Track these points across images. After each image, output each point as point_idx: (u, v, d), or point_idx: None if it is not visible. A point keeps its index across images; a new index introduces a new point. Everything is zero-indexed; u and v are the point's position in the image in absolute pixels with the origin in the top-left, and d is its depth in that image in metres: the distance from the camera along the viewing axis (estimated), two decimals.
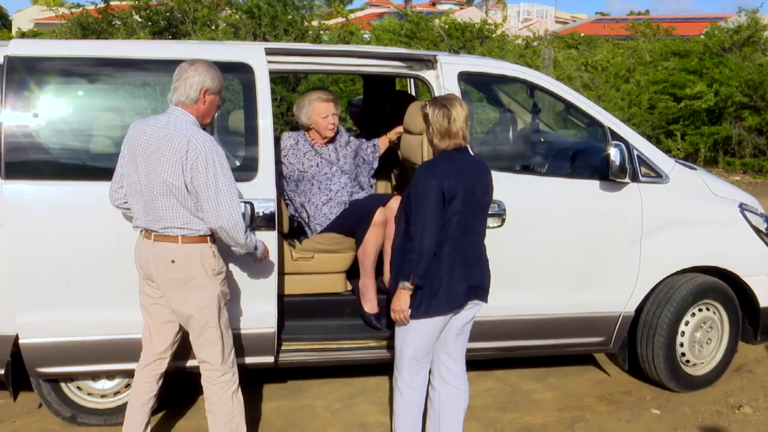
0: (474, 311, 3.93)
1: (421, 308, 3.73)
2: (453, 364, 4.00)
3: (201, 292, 3.72)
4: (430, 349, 3.91)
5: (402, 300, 3.71)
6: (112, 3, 14.91)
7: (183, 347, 4.04)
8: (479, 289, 3.86)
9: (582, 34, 23.56)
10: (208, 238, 3.72)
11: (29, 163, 4.10)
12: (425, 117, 3.80)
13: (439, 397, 4.03)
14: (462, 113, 3.75)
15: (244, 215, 3.95)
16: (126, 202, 3.82)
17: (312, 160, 5.11)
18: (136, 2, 14.18)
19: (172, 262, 3.67)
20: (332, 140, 5.21)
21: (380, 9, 41.02)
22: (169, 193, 3.59)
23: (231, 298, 4.01)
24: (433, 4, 45.82)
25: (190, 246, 3.68)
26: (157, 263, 3.70)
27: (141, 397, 3.99)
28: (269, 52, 4.45)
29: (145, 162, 3.62)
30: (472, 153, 4.56)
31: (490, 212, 4.55)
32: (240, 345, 4.36)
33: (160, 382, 4.03)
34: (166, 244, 3.67)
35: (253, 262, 4.10)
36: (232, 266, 4.23)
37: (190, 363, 4.25)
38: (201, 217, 3.64)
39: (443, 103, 3.75)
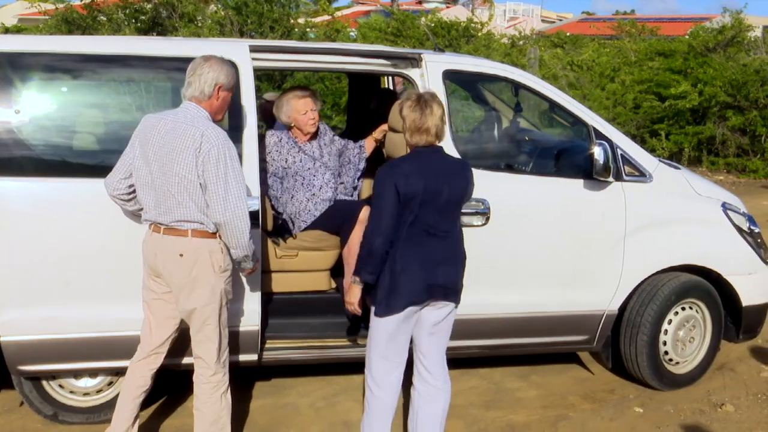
0: (445, 311, 3.89)
1: (380, 306, 3.76)
2: (429, 364, 3.99)
3: (206, 288, 3.74)
4: (401, 348, 3.89)
5: (351, 294, 3.82)
6: None
7: (179, 344, 4.03)
8: (445, 289, 3.81)
9: (568, 34, 23.67)
10: (218, 234, 3.74)
11: (11, 159, 4.06)
12: (400, 112, 3.79)
13: (418, 396, 4.02)
14: (437, 110, 3.74)
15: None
16: (130, 193, 3.82)
17: (295, 156, 5.08)
18: None
19: (181, 255, 3.69)
20: (315, 136, 5.17)
21: (367, 7, 40.96)
22: (182, 186, 3.60)
23: None
24: (420, 2, 45.77)
25: (199, 240, 3.69)
26: (165, 256, 3.71)
27: (133, 392, 3.99)
28: (254, 49, 4.43)
29: (158, 155, 3.63)
30: (457, 151, 4.58)
31: (474, 211, 4.58)
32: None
33: (154, 377, 4.03)
34: (175, 237, 3.69)
35: (244, 273, 4.07)
36: None
37: (185, 360, 4.25)
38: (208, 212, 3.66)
39: (418, 99, 3.75)
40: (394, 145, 4.93)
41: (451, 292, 3.85)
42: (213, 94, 3.72)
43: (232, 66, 3.84)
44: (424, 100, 3.74)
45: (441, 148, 3.87)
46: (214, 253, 3.74)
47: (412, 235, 3.70)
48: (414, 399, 4.04)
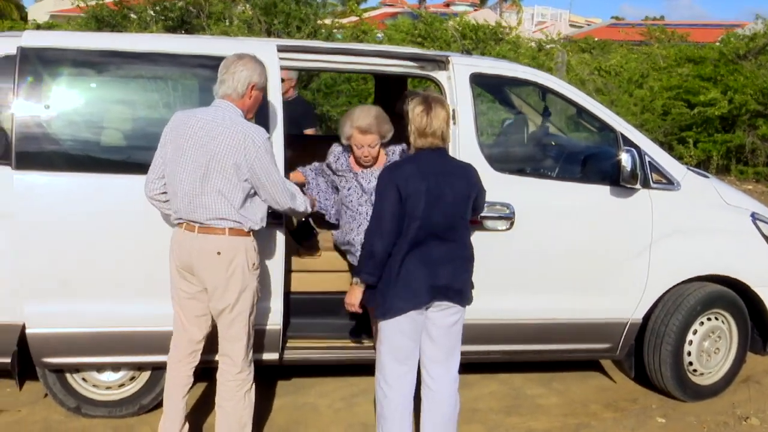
0: (451, 313, 3.85)
1: (382, 308, 3.76)
2: (433, 368, 3.94)
3: (240, 286, 3.77)
4: (409, 350, 3.86)
5: (352, 294, 3.84)
6: None
7: (212, 341, 4.05)
8: (448, 290, 3.78)
9: (596, 39, 23.49)
10: (251, 232, 3.78)
11: (40, 153, 4.10)
12: (405, 113, 3.77)
13: (426, 400, 3.99)
14: (442, 113, 3.73)
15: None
16: (164, 193, 3.83)
17: (345, 183, 4.74)
18: None
19: (218, 254, 3.71)
20: (375, 162, 4.69)
21: (394, 9, 40.96)
22: (223, 186, 3.64)
23: None
24: (447, 5, 45.74)
25: (236, 239, 3.73)
26: (201, 255, 3.73)
27: (179, 391, 4.03)
28: (281, 48, 4.44)
29: (195, 153, 3.65)
30: (483, 155, 4.55)
31: (498, 215, 4.56)
32: None
33: (195, 373, 4.08)
34: (211, 236, 3.71)
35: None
36: None
37: (217, 357, 4.26)
38: (268, 205, 3.83)
39: (424, 100, 3.73)
40: None
41: (455, 293, 3.81)
42: (246, 93, 3.74)
43: (264, 66, 3.86)
44: (429, 103, 3.72)
45: (445, 150, 3.87)
46: (249, 251, 3.78)
47: (414, 236, 3.68)
48: (423, 402, 4.01)
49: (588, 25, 48.22)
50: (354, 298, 3.85)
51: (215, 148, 3.62)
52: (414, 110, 3.72)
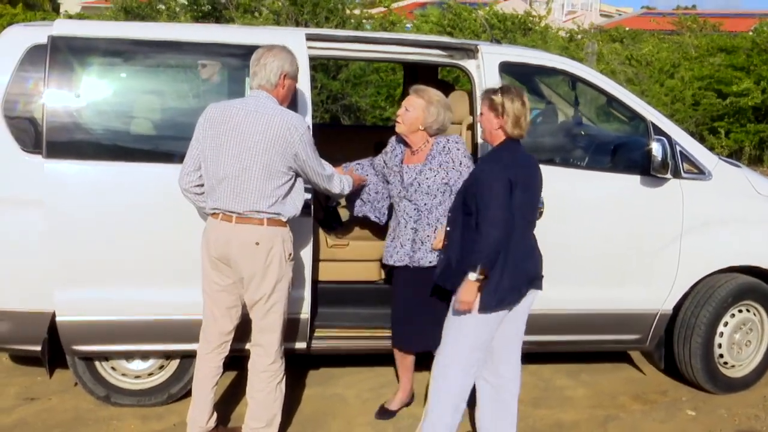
0: (531, 300, 3.92)
1: (490, 299, 3.70)
2: (508, 355, 4.00)
3: (277, 275, 3.79)
4: (491, 338, 3.89)
5: (469, 291, 3.68)
6: None
7: (243, 331, 4.07)
8: (537, 279, 3.90)
9: (627, 28, 23.23)
10: (287, 223, 3.81)
11: (71, 142, 4.14)
12: (499, 105, 3.77)
13: (491, 388, 4.02)
14: (528, 105, 3.86)
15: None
16: (199, 185, 3.85)
17: (393, 176, 4.48)
18: None
19: (257, 244, 3.73)
20: (423, 158, 4.34)
21: None
22: (264, 176, 3.67)
23: None
24: None
25: (274, 229, 3.75)
26: (239, 245, 3.75)
27: (208, 382, 4.06)
28: (310, 37, 4.44)
29: (235, 144, 3.68)
30: None
31: None
32: None
33: (224, 364, 4.11)
34: (250, 226, 3.73)
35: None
36: None
37: (248, 346, 4.27)
38: (319, 190, 4.03)
39: (517, 93, 3.82)
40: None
41: (540, 281, 3.92)
42: (279, 83, 3.78)
43: (294, 54, 3.88)
44: (523, 97, 3.81)
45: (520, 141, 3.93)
46: (286, 241, 3.82)
47: (518, 226, 3.71)
48: (485, 391, 4.03)
49: (619, 14, 47.72)
50: (470, 295, 3.68)
51: (256, 138, 3.64)
52: (514, 102, 3.77)
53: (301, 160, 3.73)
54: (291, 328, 4.42)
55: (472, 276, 3.64)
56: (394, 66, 12.55)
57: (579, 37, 17.48)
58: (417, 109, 4.28)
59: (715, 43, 15.58)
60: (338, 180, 4.07)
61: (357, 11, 14.11)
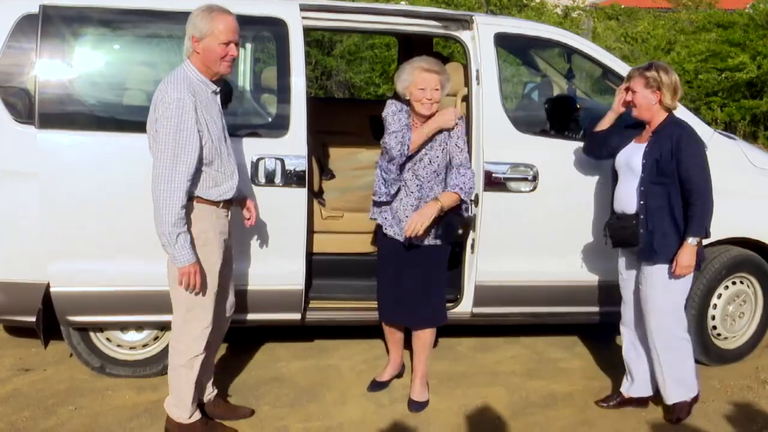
0: None
1: (702, 255, 4.15)
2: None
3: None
4: None
5: (692, 255, 4.05)
6: None
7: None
8: None
9: (623, 6, 23.13)
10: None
11: (63, 113, 4.11)
12: (656, 80, 4.05)
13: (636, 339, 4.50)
14: None
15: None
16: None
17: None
18: None
19: None
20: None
21: None
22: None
23: (259, 255, 4.16)
24: None
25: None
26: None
27: (209, 357, 4.04)
28: (304, 7, 4.40)
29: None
30: (507, 117, 4.50)
31: (522, 176, 4.53)
32: (268, 302, 4.39)
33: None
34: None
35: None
36: (260, 222, 4.22)
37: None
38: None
39: (667, 66, 4.14)
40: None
41: None
42: (193, 48, 3.54)
43: (208, 11, 3.54)
44: (670, 67, 4.17)
45: None
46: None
47: None
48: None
49: None
50: (693, 258, 4.05)
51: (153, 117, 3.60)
52: (669, 74, 4.08)
53: (158, 142, 3.49)
54: (285, 299, 4.43)
55: (693, 241, 4.01)
56: (389, 42, 12.51)
57: (575, 14, 17.43)
58: (439, 86, 4.12)
59: (712, 18, 15.54)
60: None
61: None
